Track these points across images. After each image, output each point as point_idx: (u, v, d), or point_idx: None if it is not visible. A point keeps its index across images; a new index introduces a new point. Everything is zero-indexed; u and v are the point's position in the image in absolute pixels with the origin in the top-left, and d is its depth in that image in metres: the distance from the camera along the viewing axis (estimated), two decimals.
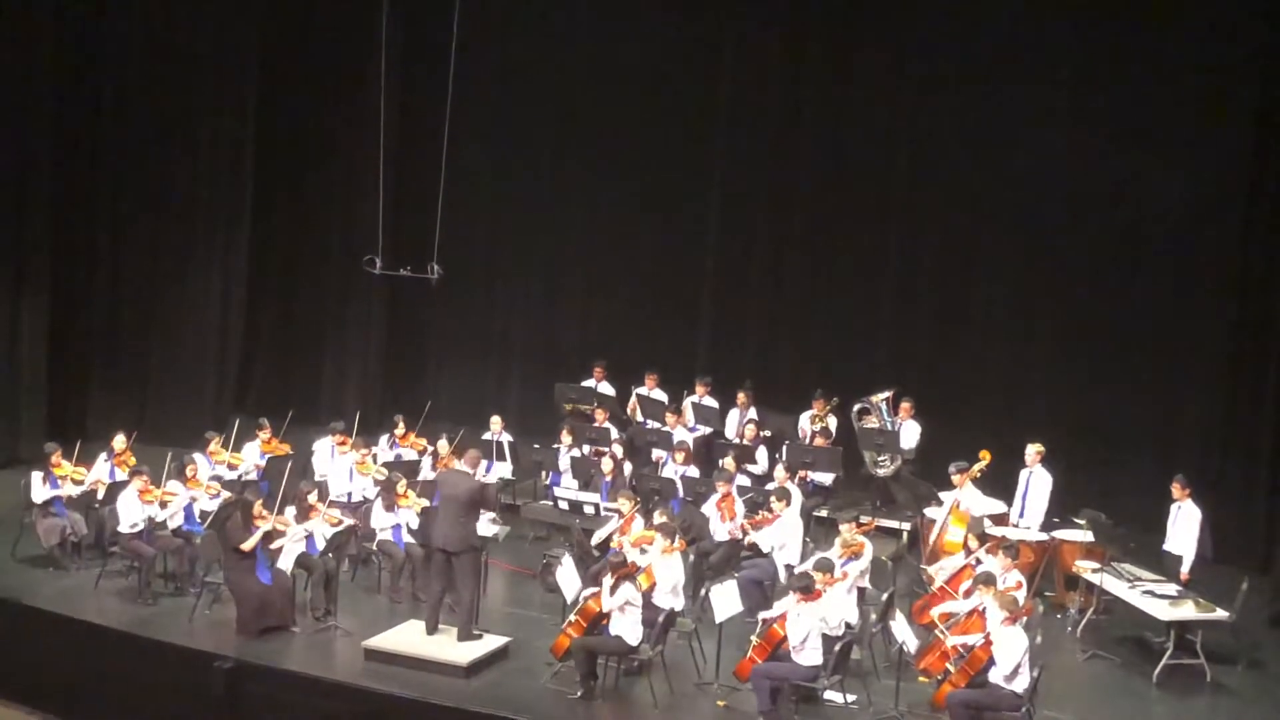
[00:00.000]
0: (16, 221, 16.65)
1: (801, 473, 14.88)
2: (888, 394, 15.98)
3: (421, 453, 15.35)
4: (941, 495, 14.15)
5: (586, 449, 15.61)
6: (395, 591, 13.29)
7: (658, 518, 12.56)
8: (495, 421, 16.01)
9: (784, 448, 15.35)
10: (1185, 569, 12.87)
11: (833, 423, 15.97)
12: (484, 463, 15.34)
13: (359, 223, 18.00)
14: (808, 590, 11.02)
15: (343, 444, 14.97)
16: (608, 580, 11.34)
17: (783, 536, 13.08)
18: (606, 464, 14.74)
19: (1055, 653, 12.40)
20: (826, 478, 15.37)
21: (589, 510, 13.87)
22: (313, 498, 13.11)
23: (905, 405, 15.80)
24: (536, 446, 15.90)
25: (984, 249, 16.89)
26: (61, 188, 17.02)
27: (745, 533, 13.33)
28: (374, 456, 15.03)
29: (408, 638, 12.09)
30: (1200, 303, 15.89)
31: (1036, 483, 14.11)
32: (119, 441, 14.16)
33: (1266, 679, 12.45)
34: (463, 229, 17.34)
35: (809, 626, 10.91)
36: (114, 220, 17.75)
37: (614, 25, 18.02)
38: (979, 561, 12.26)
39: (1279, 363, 15.07)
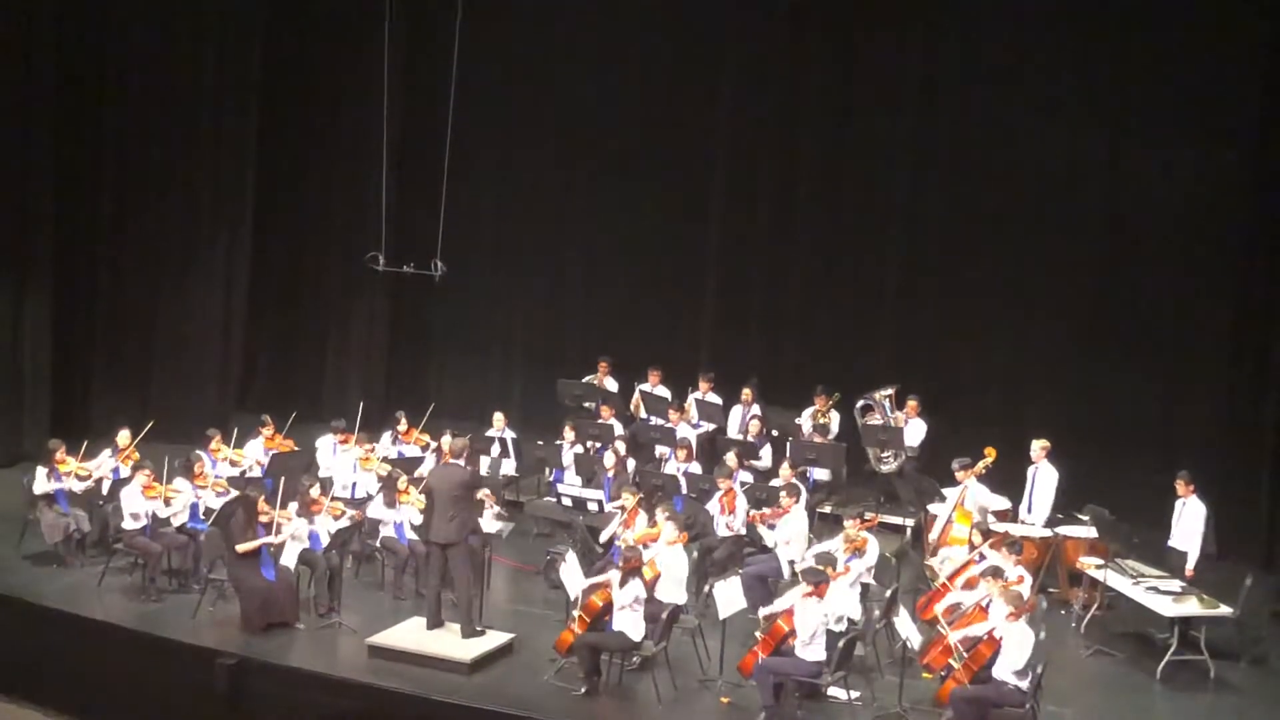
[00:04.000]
0: (19, 218, 16.65)
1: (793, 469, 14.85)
2: (890, 391, 15.98)
3: (424, 448, 15.35)
4: (945, 491, 14.17)
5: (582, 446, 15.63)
6: (399, 588, 13.30)
7: (659, 514, 12.58)
8: (498, 418, 16.02)
9: (787, 444, 15.35)
10: (1189, 565, 12.87)
11: (835, 418, 15.97)
12: (484, 458, 15.45)
13: (362, 219, 18.03)
14: (818, 584, 11.02)
15: (345, 441, 14.99)
16: (616, 575, 11.34)
17: (787, 532, 13.10)
18: (609, 459, 14.75)
19: (1059, 649, 12.39)
20: (825, 473, 15.38)
21: (592, 507, 13.87)
22: (315, 492, 13.11)
23: (912, 403, 15.78)
24: (540, 443, 15.90)
25: (987, 245, 16.86)
26: (64, 185, 17.01)
27: (756, 525, 13.31)
28: (375, 454, 15.01)
29: (411, 634, 12.10)
30: (1203, 299, 15.88)
31: (1042, 478, 14.12)
32: (123, 437, 14.18)
33: (1270, 675, 12.45)
34: (466, 226, 17.33)
35: (817, 621, 10.91)
36: (117, 217, 17.74)
37: (617, 22, 18.02)
38: (982, 557, 12.27)
39: None
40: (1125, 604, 12.86)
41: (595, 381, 16.98)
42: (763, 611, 11.34)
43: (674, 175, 18.27)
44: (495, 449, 15.71)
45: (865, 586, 12.35)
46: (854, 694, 11.32)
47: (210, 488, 13.60)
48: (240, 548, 12.18)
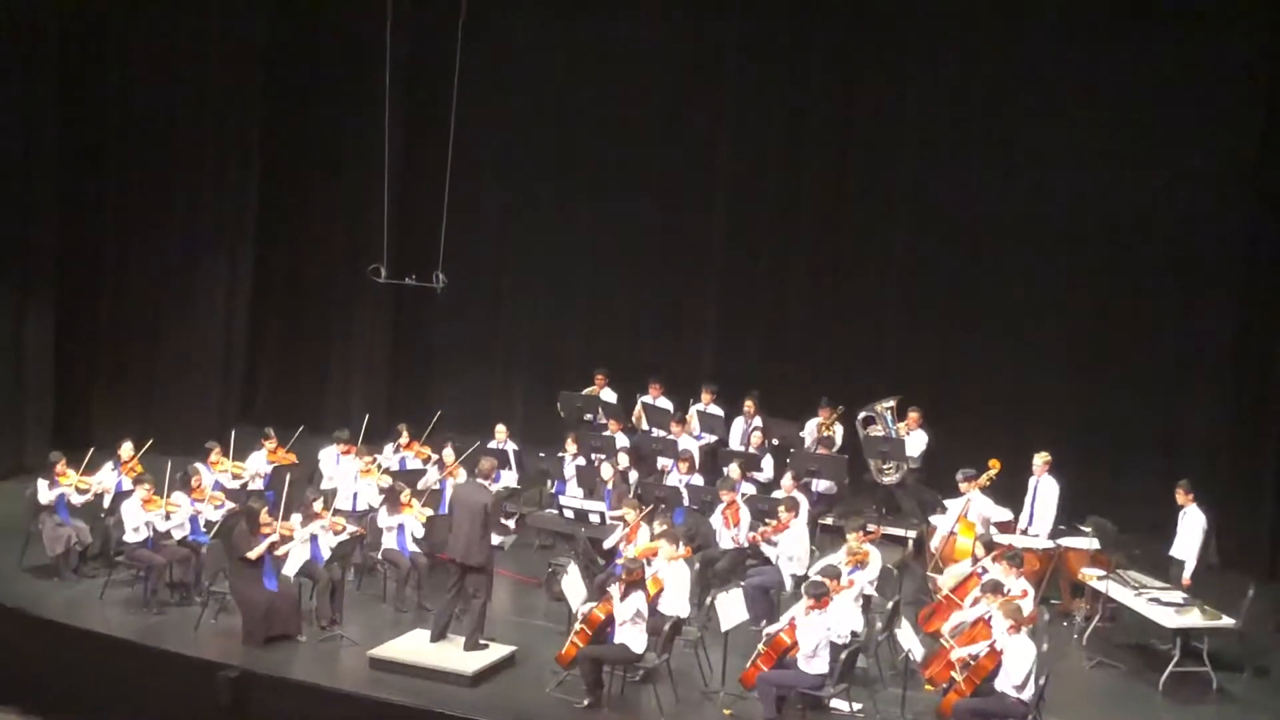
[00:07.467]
0: (22, 232, 16.66)
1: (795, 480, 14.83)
2: (891, 402, 15.98)
3: (426, 461, 15.36)
4: (948, 503, 14.16)
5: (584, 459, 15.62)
6: (400, 600, 13.29)
7: (657, 526, 12.58)
8: (500, 430, 16.02)
9: (790, 455, 15.34)
10: (1186, 574, 12.88)
11: (839, 431, 15.96)
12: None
13: (364, 231, 18.03)
14: (820, 597, 11.01)
15: (347, 452, 14.99)
16: (617, 589, 11.33)
17: (789, 546, 13.08)
18: (606, 471, 14.76)
19: (1061, 660, 12.40)
20: (828, 485, 15.38)
21: (594, 519, 13.87)
22: (318, 505, 13.11)
23: (914, 415, 15.77)
24: (542, 455, 15.90)
25: (988, 256, 16.87)
26: (67, 197, 17.04)
27: (757, 544, 13.29)
28: (378, 465, 15.02)
29: (413, 646, 12.10)
30: (1205, 309, 15.91)
31: (1044, 491, 14.12)
32: (126, 450, 14.19)
33: (1273, 686, 12.43)
34: (468, 238, 17.34)
35: (820, 635, 10.90)
36: (119, 230, 17.74)
37: (618, 35, 18.07)
38: (985, 570, 12.26)
39: None
40: (1128, 615, 12.86)
41: (592, 394, 16.98)
42: (766, 629, 11.31)
43: (676, 188, 18.30)
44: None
45: (867, 598, 12.34)
46: (856, 706, 11.31)
47: (208, 501, 13.60)
48: (251, 554, 12.17)
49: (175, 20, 17.54)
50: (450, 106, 15.82)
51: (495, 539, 13.28)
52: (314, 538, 12.87)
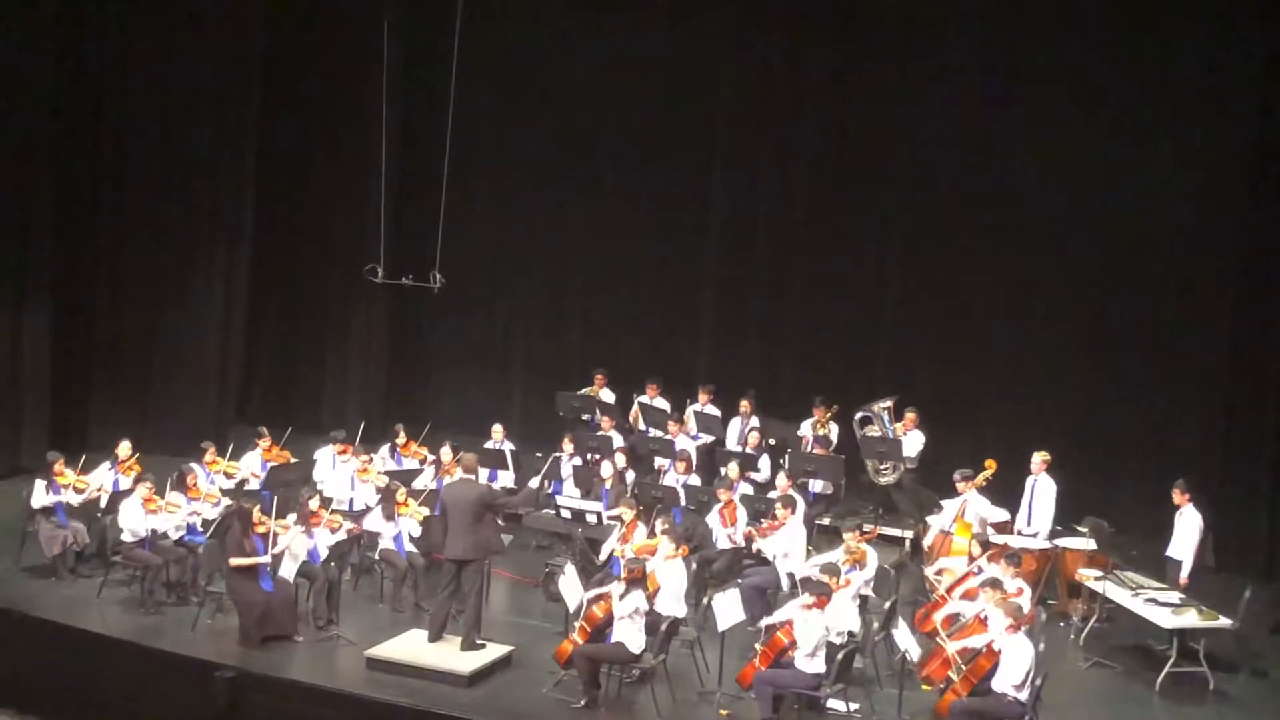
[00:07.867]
0: (19, 232, 16.67)
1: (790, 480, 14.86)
2: (889, 402, 15.99)
3: (423, 462, 15.36)
4: (944, 503, 14.17)
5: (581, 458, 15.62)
6: (397, 600, 13.29)
7: (658, 527, 12.59)
8: (497, 430, 16.03)
9: (786, 455, 15.35)
10: (1183, 575, 12.90)
11: (834, 430, 15.97)
12: (485, 470, 15.44)
13: (361, 231, 18.05)
14: (821, 595, 11.01)
15: (344, 452, 14.99)
16: (618, 586, 11.33)
17: (786, 545, 13.09)
18: (606, 469, 14.76)
19: (1058, 661, 12.38)
20: (823, 485, 15.38)
21: (591, 519, 13.87)
22: (314, 504, 13.11)
23: (910, 416, 15.78)
24: (539, 455, 15.89)
25: (985, 258, 16.89)
26: (64, 198, 17.03)
27: (751, 540, 13.31)
28: (374, 465, 15.03)
29: (410, 647, 12.09)
30: (1201, 309, 15.92)
31: (1042, 490, 14.13)
32: (123, 449, 14.19)
33: (1269, 687, 12.44)
34: (465, 237, 17.35)
35: (819, 633, 10.91)
36: (116, 230, 17.75)
37: (615, 35, 18.08)
38: (980, 569, 12.28)
39: None
40: (1124, 616, 12.85)
41: (591, 393, 16.99)
42: (764, 622, 11.32)
43: (672, 187, 18.30)
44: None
45: (864, 598, 12.35)
46: (853, 706, 11.31)
47: (204, 500, 13.59)
48: (234, 562, 12.17)
49: (174, 20, 17.55)
50: (448, 106, 15.81)
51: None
52: (311, 537, 12.87)
